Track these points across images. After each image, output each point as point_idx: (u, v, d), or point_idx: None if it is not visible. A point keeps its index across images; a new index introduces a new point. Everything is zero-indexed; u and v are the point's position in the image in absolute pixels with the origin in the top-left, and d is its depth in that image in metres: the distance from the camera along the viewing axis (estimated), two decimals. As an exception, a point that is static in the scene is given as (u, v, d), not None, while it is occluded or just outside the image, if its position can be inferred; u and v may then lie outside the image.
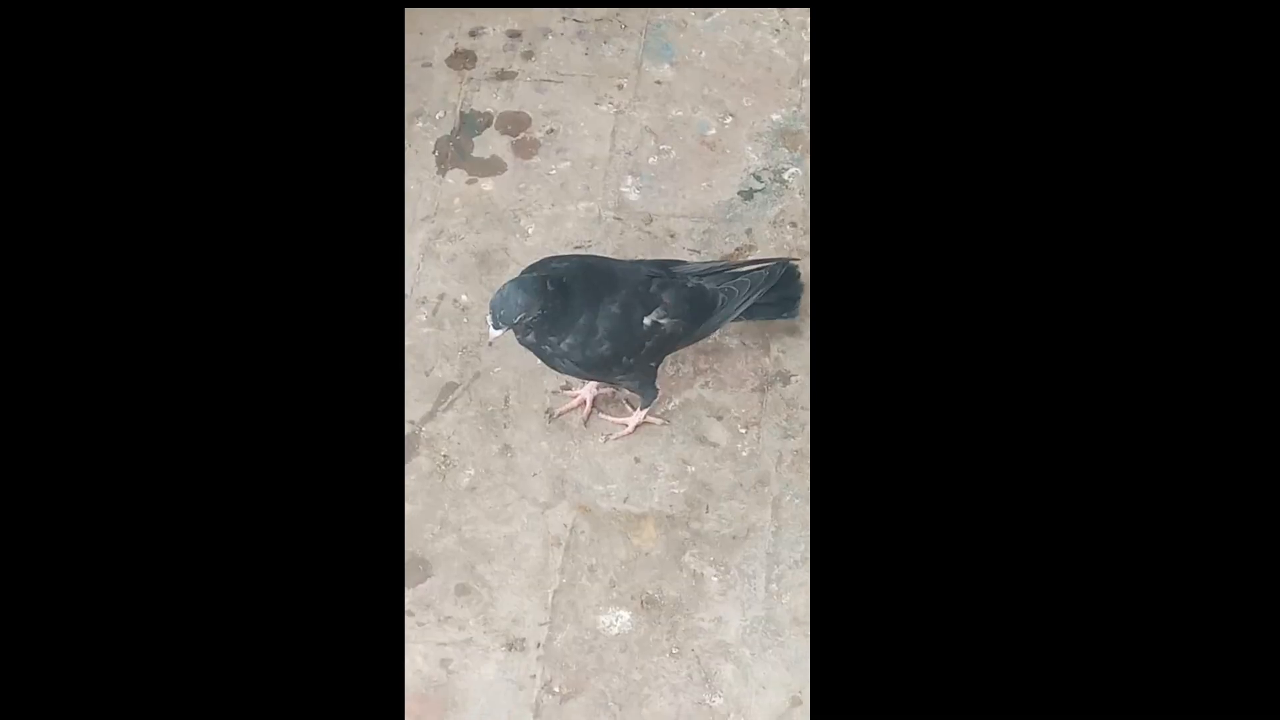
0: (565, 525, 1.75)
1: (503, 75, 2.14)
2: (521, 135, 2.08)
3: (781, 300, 1.83)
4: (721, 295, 1.74)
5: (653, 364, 1.77)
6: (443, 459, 1.79)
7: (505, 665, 1.65)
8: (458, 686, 1.64)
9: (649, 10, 2.18)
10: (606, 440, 1.83)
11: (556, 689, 1.63)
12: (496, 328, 1.62)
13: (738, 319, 1.81)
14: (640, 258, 1.88)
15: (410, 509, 1.76)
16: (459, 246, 1.96)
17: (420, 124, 2.07)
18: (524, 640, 1.67)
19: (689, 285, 1.71)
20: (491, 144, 2.05)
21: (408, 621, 1.68)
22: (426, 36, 2.15)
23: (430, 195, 2.01)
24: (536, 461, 1.79)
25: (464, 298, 1.93)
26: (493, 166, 2.04)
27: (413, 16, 2.17)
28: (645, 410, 1.80)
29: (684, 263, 1.76)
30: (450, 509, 1.76)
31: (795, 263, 1.84)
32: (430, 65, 2.13)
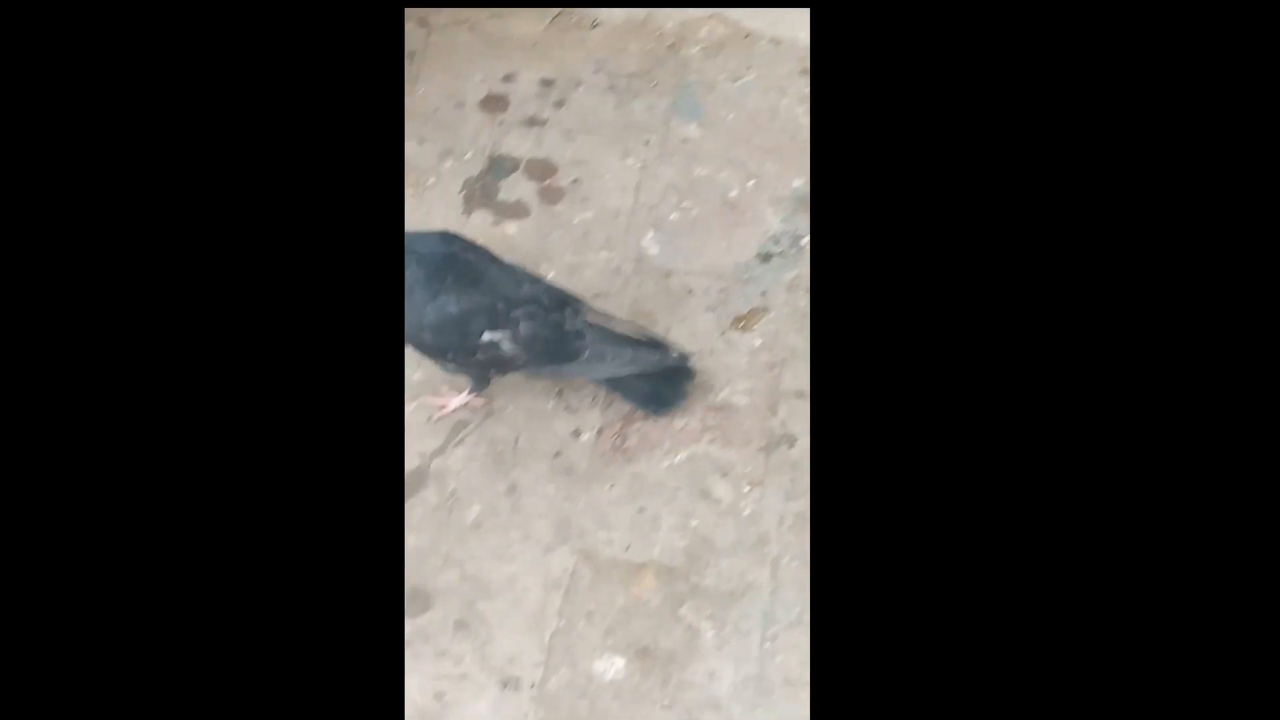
0: (566, 569, 1.93)
1: (533, 122, 2.39)
2: (547, 182, 2.33)
3: (654, 393, 1.96)
4: (589, 351, 1.89)
5: (490, 373, 1.92)
6: (450, 494, 2.00)
7: (498, 703, 1.83)
8: None
9: (681, 69, 2.44)
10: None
11: (547, 729, 1.80)
12: None
13: (602, 383, 1.96)
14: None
15: (414, 541, 1.96)
16: (479, 287, 2.18)
17: (449, 163, 2.32)
18: (519, 679, 1.86)
19: (554, 325, 1.86)
20: (518, 188, 2.30)
21: (405, 652, 1.87)
22: (461, 79, 2.42)
23: (454, 234, 2.24)
24: (542, 503, 2.00)
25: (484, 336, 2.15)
26: (517, 210, 2.28)
27: (448, 57, 2.44)
28: (466, 394, 1.97)
29: (583, 305, 1.90)
30: (455, 544, 1.96)
31: (689, 363, 1.97)
32: (463, 106, 2.39)
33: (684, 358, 1.95)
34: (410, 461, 1.97)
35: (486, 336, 1.84)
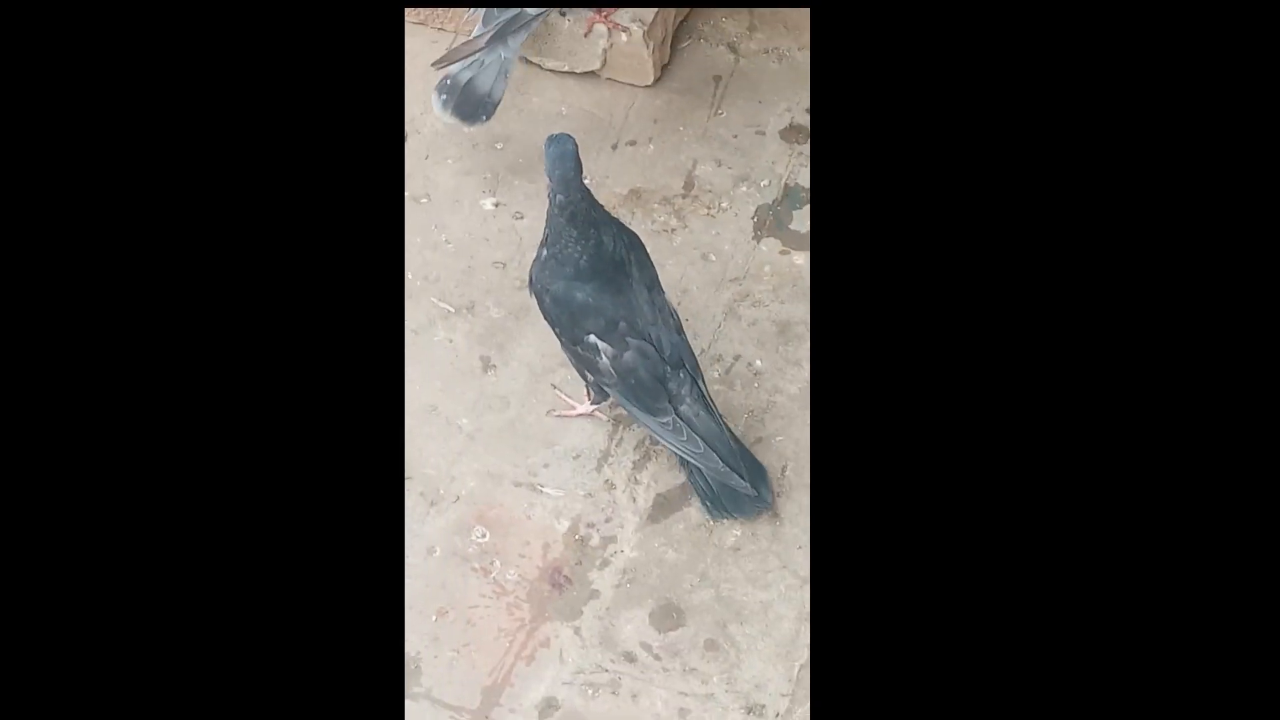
0: (823, 603, 1.93)
1: (832, 155, 2.42)
2: (841, 216, 2.34)
3: (714, 495, 1.93)
4: (671, 419, 1.90)
5: (588, 375, 1.93)
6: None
7: (741, 728, 1.84)
8: (691, 739, 1.84)
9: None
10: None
11: (788, 762, 1.80)
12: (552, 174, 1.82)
13: (674, 454, 1.94)
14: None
15: (672, 556, 1.99)
16: (762, 313, 2.23)
17: (744, 188, 2.37)
18: (764, 707, 1.86)
19: (657, 376, 1.88)
20: (810, 220, 2.33)
21: (654, 665, 1.90)
22: (765, 107, 2.47)
23: (742, 259, 2.29)
24: (803, 535, 1.99)
25: (758, 363, 2.18)
26: (808, 242, 2.31)
27: (754, 85, 2.50)
28: (593, 406, 1.99)
29: (702, 382, 1.92)
30: (712, 564, 1.98)
31: (762, 502, 1.94)
32: (764, 134, 2.44)
33: (755, 491, 1.92)
34: (676, 478, 2.00)
35: (592, 339, 1.86)
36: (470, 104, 2.18)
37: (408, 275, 2.15)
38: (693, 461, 1.94)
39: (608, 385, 1.92)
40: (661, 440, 1.96)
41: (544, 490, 2.01)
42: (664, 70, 2.41)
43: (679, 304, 2.14)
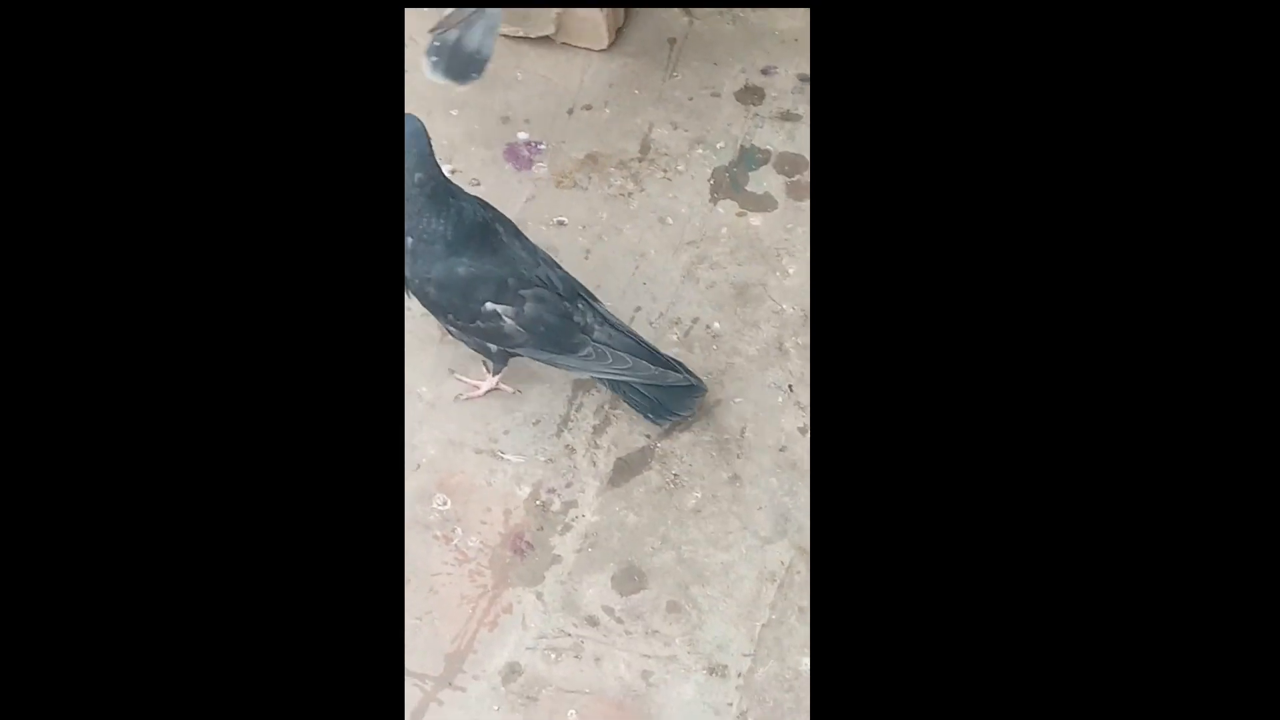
0: (782, 563, 1.95)
1: (788, 116, 2.43)
2: (797, 177, 2.36)
3: (655, 402, 1.96)
4: (590, 349, 1.92)
5: (491, 346, 1.93)
6: (673, 477, 2.04)
7: (705, 688, 1.85)
8: (655, 700, 1.85)
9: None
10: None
11: (752, 720, 1.83)
12: None
13: (604, 383, 1.97)
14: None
15: (634, 519, 2.01)
16: (719, 275, 2.24)
17: (700, 150, 2.37)
18: (726, 667, 1.88)
19: (562, 314, 1.89)
20: (766, 181, 2.33)
21: (616, 628, 1.92)
22: (720, 68, 2.47)
23: (699, 221, 2.29)
24: (763, 495, 2.01)
25: (716, 325, 2.19)
26: (764, 203, 2.32)
27: (709, 47, 2.50)
28: (496, 378, 1.99)
29: (600, 304, 1.95)
30: (673, 527, 2.00)
31: (700, 388, 1.98)
32: (719, 96, 2.44)
33: (689, 379, 1.95)
34: (636, 442, 2.01)
35: (489, 306, 1.87)
36: (460, 63, 2.18)
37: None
38: (625, 379, 1.94)
39: (518, 347, 1.94)
40: (589, 373, 1.98)
41: (504, 457, 2.02)
42: (619, 34, 2.41)
43: (636, 268, 2.15)
